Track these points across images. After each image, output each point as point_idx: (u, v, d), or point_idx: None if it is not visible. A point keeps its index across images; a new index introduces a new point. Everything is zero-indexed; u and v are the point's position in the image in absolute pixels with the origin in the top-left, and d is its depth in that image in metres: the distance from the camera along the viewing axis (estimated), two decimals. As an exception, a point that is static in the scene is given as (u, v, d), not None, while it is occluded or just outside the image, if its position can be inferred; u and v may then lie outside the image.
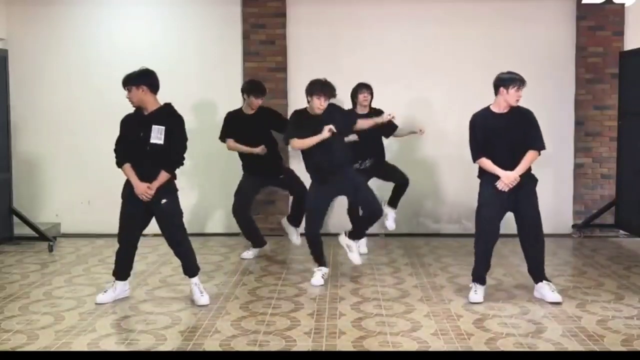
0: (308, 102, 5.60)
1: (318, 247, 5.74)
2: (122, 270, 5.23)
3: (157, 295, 5.35)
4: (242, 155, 6.57)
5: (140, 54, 7.62)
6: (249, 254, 6.66)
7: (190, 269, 5.17)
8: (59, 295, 5.33)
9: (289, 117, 5.74)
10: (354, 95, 6.59)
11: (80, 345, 4.21)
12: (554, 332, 4.42)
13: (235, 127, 6.50)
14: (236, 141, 6.49)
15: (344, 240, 5.86)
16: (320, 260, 5.75)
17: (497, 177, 5.00)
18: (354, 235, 5.85)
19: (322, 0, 7.78)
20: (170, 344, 4.23)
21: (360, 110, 6.52)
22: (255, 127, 6.44)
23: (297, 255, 6.69)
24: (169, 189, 5.07)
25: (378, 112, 6.38)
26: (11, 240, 7.16)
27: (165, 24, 7.85)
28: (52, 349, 4.13)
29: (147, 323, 4.64)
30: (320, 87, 5.51)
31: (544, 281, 5.15)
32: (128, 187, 5.08)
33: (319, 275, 5.67)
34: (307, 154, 5.60)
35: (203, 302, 5.04)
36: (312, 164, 5.62)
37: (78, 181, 7.85)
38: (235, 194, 6.61)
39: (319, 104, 5.49)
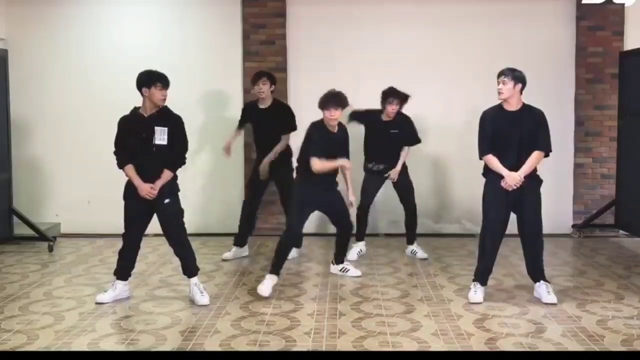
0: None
1: (288, 253, 5.62)
2: (123, 269, 5.24)
3: (157, 295, 5.35)
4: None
5: (140, 54, 7.62)
6: (230, 254, 6.61)
7: (190, 269, 5.19)
8: (59, 295, 5.33)
9: (306, 129, 5.57)
10: (384, 100, 6.43)
11: (80, 345, 4.21)
12: (554, 332, 4.42)
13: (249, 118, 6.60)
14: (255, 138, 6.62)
15: (335, 269, 5.98)
16: (279, 269, 5.47)
17: (502, 177, 5.01)
18: (339, 259, 5.98)
19: (322, 0, 7.78)
20: (170, 344, 4.23)
21: (386, 117, 6.46)
22: (268, 120, 6.48)
23: (298, 255, 6.68)
24: (172, 189, 5.12)
25: (404, 120, 6.46)
26: (11, 240, 7.16)
27: (165, 24, 7.85)
28: (52, 349, 4.13)
29: (147, 323, 4.64)
30: (326, 100, 5.45)
31: (542, 281, 5.15)
32: (130, 187, 5.10)
33: (269, 282, 5.35)
34: (307, 161, 5.49)
35: (203, 302, 5.04)
36: (307, 168, 5.48)
37: (78, 181, 7.85)
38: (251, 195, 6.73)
39: (330, 115, 5.45)
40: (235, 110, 7.67)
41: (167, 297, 5.26)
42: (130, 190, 5.10)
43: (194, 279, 5.18)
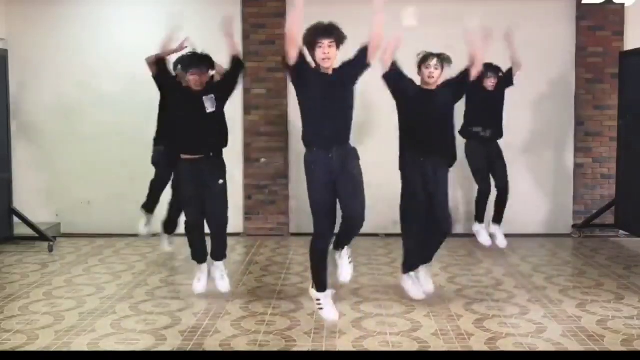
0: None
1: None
2: (200, 254, 5.26)
3: (157, 295, 5.35)
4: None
5: (140, 53, 7.60)
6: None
7: (221, 252, 5.27)
8: (59, 295, 5.32)
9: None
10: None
11: (80, 345, 4.20)
12: (554, 332, 4.42)
13: None
14: None
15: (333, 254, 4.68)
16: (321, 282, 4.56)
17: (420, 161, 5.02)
18: (337, 244, 4.64)
19: (322, 0, 7.77)
20: (170, 344, 4.23)
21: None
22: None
23: (298, 255, 6.69)
24: (224, 172, 5.17)
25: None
26: (11, 240, 7.15)
27: (165, 23, 7.84)
28: (52, 349, 4.13)
29: (147, 323, 4.64)
30: (317, 32, 4.46)
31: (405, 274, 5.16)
32: (182, 172, 5.10)
33: (327, 302, 4.54)
34: (304, 115, 4.42)
35: (222, 288, 5.16)
36: (310, 131, 4.39)
37: (78, 181, 7.84)
38: None
39: (322, 54, 4.33)
40: (234, 109, 7.66)
41: (167, 297, 5.26)
42: (183, 174, 5.09)
43: (220, 263, 5.24)
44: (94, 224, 7.74)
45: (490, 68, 6.57)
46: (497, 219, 6.86)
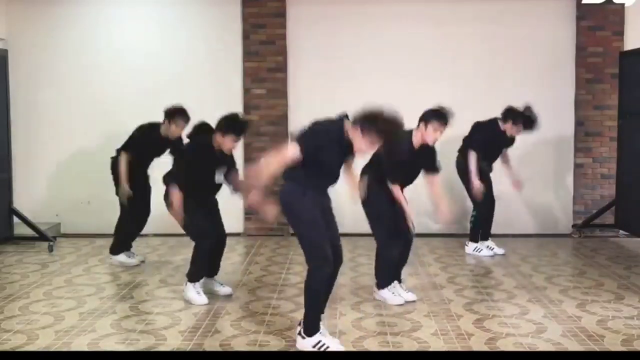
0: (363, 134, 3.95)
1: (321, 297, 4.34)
2: (205, 272, 5.27)
3: (157, 295, 5.35)
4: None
5: (140, 53, 7.64)
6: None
7: (219, 266, 5.44)
8: (59, 295, 5.32)
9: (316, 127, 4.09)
10: (512, 119, 6.45)
11: (80, 345, 4.20)
12: (554, 332, 4.42)
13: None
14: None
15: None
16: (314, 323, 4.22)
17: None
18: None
19: (322, 0, 7.78)
20: (170, 344, 4.23)
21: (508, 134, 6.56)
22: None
23: (298, 255, 6.68)
24: None
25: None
26: (11, 240, 7.16)
27: (165, 24, 7.85)
28: (52, 349, 4.13)
29: (147, 323, 4.64)
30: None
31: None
32: (190, 203, 5.08)
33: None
34: (312, 167, 4.07)
35: (225, 292, 5.24)
36: (313, 182, 4.16)
37: (78, 181, 7.84)
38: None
39: (363, 144, 3.95)
40: (234, 110, 7.68)
41: (167, 297, 5.26)
42: (191, 204, 5.07)
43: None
44: (94, 224, 7.74)
45: (517, 115, 6.43)
46: (488, 234, 6.87)
